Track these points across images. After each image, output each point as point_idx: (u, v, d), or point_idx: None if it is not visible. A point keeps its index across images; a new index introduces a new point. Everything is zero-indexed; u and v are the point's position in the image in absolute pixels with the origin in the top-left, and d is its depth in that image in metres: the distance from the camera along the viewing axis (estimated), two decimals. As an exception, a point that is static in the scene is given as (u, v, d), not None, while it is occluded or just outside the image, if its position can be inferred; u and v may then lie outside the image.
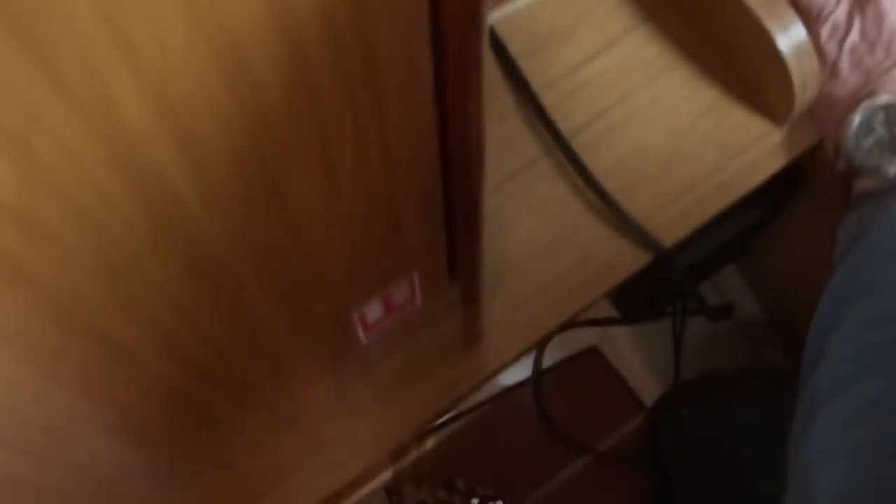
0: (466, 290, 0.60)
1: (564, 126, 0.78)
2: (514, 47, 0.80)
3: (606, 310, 1.09)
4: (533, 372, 1.18)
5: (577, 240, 0.76)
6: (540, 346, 1.17)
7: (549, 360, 1.21)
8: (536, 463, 1.17)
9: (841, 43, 0.74)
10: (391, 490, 1.14)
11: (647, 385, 1.15)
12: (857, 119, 0.71)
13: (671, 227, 0.76)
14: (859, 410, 0.60)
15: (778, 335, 1.10)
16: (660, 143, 0.79)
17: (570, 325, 1.06)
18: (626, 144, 0.79)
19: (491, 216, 0.73)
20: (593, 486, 1.16)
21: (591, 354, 1.23)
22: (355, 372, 0.61)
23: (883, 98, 0.71)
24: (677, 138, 0.79)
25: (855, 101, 0.73)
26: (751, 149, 0.79)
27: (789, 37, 0.73)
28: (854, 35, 0.74)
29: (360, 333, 0.53)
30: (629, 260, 0.76)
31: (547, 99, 0.79)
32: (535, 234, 0.76)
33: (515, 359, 0.75)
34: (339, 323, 0.50)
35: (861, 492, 0.56)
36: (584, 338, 1.22)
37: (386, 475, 1.16)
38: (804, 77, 0.74)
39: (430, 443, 1.17)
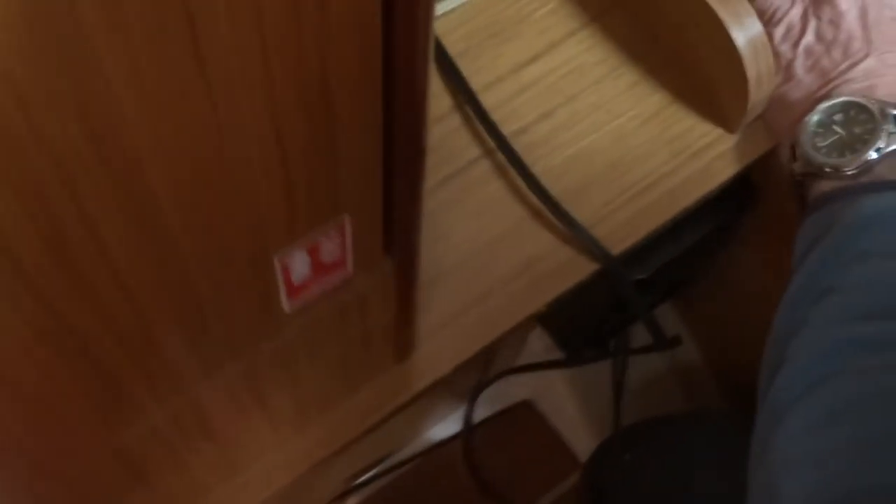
0: (401, 268, 0.54)
1: (505, 128, 0.74)
2: (452, 46, 0.76)
3: (544, 354, 1.04)
4: (463, 426, 1.13)
5: (519, 246, 0.72)
6: (471, 399, 1.12)
7: (480, 415, 1.16)
8: (468, 522, 1.12)
9: (796, 45, 0.71)
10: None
11: (584, 440, 1.10)
12: (815, 119, 0.69)
13: (619, 235, 0.72)
14: (830, 413, 0.57)
15: (715, 378, 1.07)
16: (606, 148, 0.75)
17: (508, 371, 1.04)
18: (571, 148, 0.75)
19: (426, 221, 0.67)
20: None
21: (525, 408, 1.18)
22: (277, 369, 0.54)
23: (841, 98, 0.68)
24: (624, 143, 0.75)
25: (811, 102, 0.70)
26: (702, 154, 0.75)
27: (744, 29, 0.70)
28: (809, 36, 0.71)
29: (284, 297, 0.47)
30: (574, 268, 0.71)
31: (487, 100, 0.75)
32: (473, 239, 0.72)
33: (451, 373, 0.69)
34: (261, 274, 0.43)
35: (834, 499, 0.53)
36: (518, 391, 1.17)
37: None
38: (759, 72, 0.70)
39: (350, 501, 1.11)
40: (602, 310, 0.86)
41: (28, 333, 0.36)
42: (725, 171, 0.74)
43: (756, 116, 0.74)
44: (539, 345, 1.09)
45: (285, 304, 0.47)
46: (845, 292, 0.61)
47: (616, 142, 0.75)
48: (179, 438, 0.53)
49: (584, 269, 0.71)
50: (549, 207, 0.72)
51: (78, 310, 0.36)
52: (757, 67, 0.70)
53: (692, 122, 0.76)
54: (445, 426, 1.17)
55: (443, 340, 0.69)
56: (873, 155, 0.65)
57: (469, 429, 1.13)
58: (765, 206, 0.84)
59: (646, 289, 0.77)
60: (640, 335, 1.05)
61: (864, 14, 0.70)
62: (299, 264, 0.44)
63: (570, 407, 1.15)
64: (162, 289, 0.39)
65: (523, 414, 1.18)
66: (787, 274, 0.66)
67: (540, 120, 0.75)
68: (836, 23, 0.70)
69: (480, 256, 0.71)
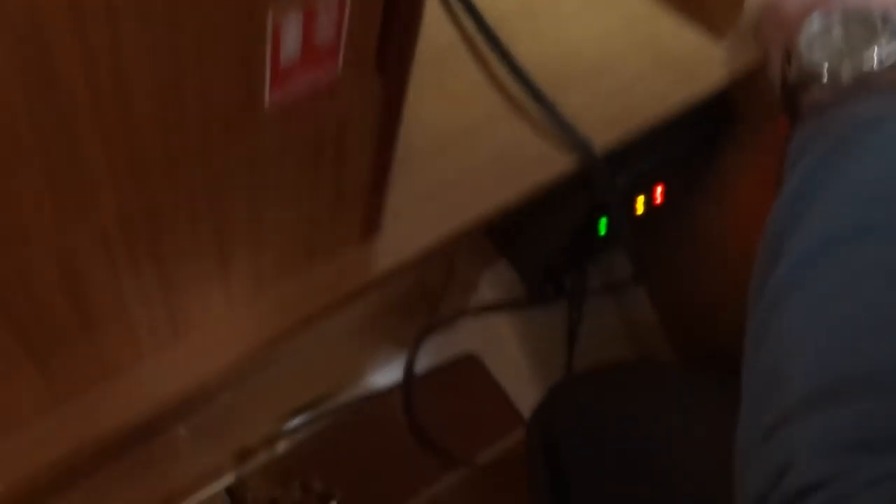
0: (389, 94, 0.50)
1: (487, 15, 0.71)
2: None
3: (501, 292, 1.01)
4: (404, 376, 1.09)
5: (496, 134, 0.69)
6: (414, 345, 1.07)
7: (423, 365, 1.11)
8: (405, 473, 1.07)
9: None
10: (235, 491, 1.00)
11: (532, 394, 1.06)
12: (814, 26, 0.66)
13: (599, 132, 0.69)
14: (829, 293, 0.56)
15: (668, 332, 1.06)
16: (590, 44, 0.73)
17: (465, 312, 1.00)
18: (553, 41, 0.73)
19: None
20: (469, 499, 1.06)
21: (469, 361, 1.14)
22: (241, 191, 0.50)
23: (839, 6, 0.66)
24: (610, 40, 0.73)
25: (806, 13, 0.68)
26: (689, 58, 0.73)
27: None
28: None
29: (268, 83, 0.42)
30: (553, 161, 0.69)
31: (468, -16, 0.71)
32: (448, 123, 0.69)
33: (416, 258, 0.66)
34: (252, 37, 0.39)
35: (828, 381, 0.52)
36: (464, 342, 1.14)
37: (229, 478, 1.02)
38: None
39: (281, 445, 1.06)
40: (566, 237, 0.82)
41: None
42: (710, 78, 0.72)
43: (747, 23, 0.72)
44: (491, 291, 1.06)
45: (267, 96, 0.43)
46: (848, 182, 0.59)
47: (600, 39, 0.73)
48: (127, 258, 0.48)
49: (563, 161, 0.68)
50: (530, 95, 0.69)
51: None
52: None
53: (680, 26, 0.74)
54: (386, 374, 1.13)
55: (409, 224, 0.66)
56: (871, 64, 0.64)
57: (410, 378, 1.08)
58: (741, 137, 0.82)
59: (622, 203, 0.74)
60: (596, 278, 1.04)
61: None
62: (291, 33, 0.40)
63: (519, 358, 1.11)
64: (147, 51, 0.35)
65: (467, 367, 1.14)
66: (752, 221, 0.65)
67: (521, 11, 0.73)
68: None
69: (454, 141, 0.68)
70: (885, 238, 0.56)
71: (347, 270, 0.64)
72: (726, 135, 0.81)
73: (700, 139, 0.79)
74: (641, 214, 0.84)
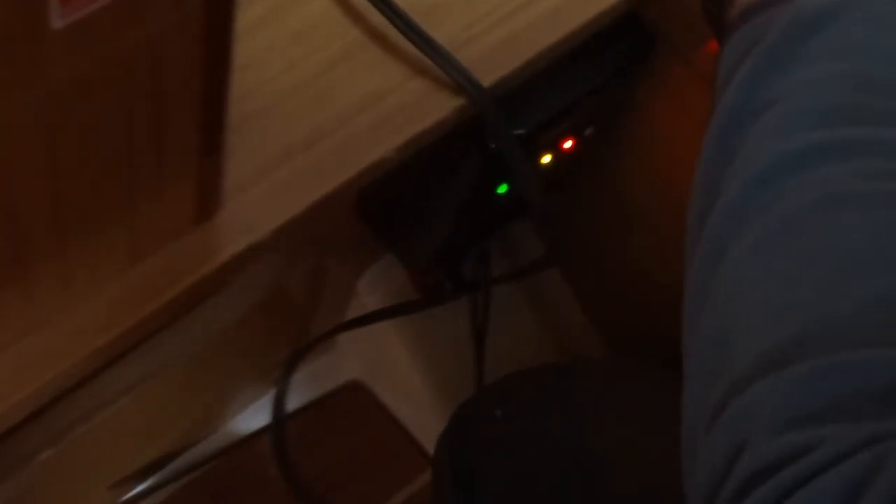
0: (213, 11, 0.49)
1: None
2: None
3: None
4: (273, 416, 1.09)
5: (358, 77, 0.70)
6: (283, 377, 1.08)
7: (296, 401, 1.13)
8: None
9: None
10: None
11: (434, 425, 1.07)
12: None
13: (488, 64, 0.71)
14: (778, 232, 0.57)
15: (594, 319, 1.08)
16: (468, -44, 0.74)
17: (333, 330, 1.00)
18: None
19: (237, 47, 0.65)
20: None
21: (354, 391, 1.16)
22: (34, 155, 0.49)
23: None
24: None
25: None
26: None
27: None
28: None
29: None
30: (431, 104, 0.70)
31: None
32: (298, 67, 0.70)
33: (268, 241, 0.66)
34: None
35: (800, 322, 0.53)
36: (345, 367, 1.16)
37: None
38: None
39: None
40: (459, 208, 0.83)
41: None
42: None
43: None
44: (373, 297, 1.07)
45: (55, 12, 0.42)
46: (787, 101, 0.60)
47: (478, -49, 0.74)
48: None
49: (445, 105, 0.70)
50: (396, 26, 0.70)
51: None
52: None
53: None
54: (250, 416, 1.14)
55: (256, 196, 0.66)
56: None
57: (281, 418, 1.09)
58: (662, 67, 0.83)
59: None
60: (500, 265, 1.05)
61: None
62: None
63: (416, 378, 1.13)
64: None
65: (353, 397, 1.16)
66: (684, 173, 0.66)
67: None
68: None
69: (306, 90, 0.69)
70: (839, 158, 0.57)
71: (180, 266, 0.64)
72: (646, 64, 0.83)
73: (613, 71, 0.80)
74: (548, 173, 0.85)
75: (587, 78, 0.79)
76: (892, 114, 0.58)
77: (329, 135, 0.68)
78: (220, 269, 0.64)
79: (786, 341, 0.52)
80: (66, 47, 0.45)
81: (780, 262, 0.56)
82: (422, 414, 1.14)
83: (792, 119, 0.60)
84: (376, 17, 0.70)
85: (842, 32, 0.61)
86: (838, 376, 0.49)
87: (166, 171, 0.58)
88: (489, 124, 0.71)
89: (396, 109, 0.69)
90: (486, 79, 0.70)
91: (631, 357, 1.03)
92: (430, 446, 1.11)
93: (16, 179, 0.50)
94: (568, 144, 0.83)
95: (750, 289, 0.56)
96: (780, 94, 0.61)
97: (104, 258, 0.61)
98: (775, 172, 0.58)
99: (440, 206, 0.83)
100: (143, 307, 0.63)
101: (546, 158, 0.83)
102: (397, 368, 1.15)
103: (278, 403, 1.09)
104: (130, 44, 0.48)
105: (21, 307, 0.58)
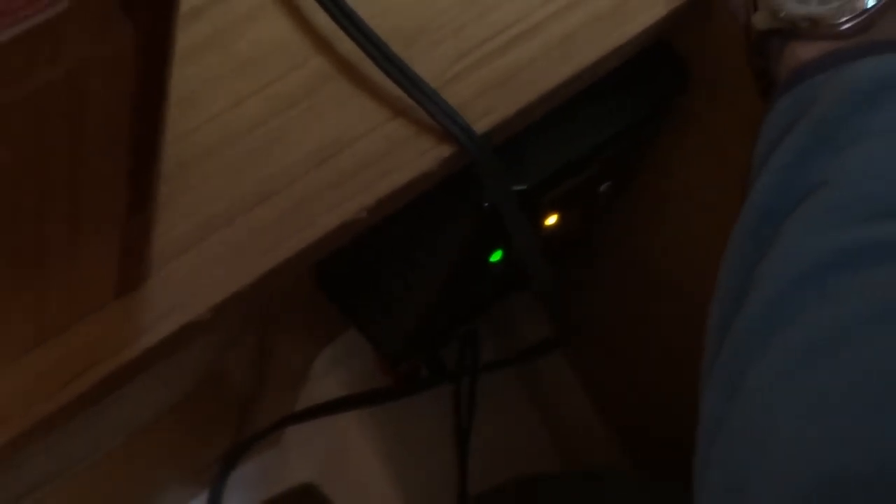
0: (148, 41, 0.49)
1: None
2: None
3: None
4: None
5: (322, 117, 0.71)
6: (219, 478, 1.08)
7: (236, 507, 1.13)
8: None
9: None
10: None
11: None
12: None
13: (480, 105, 0.72)
14: (820, 344, 0.58)
15: (607, 420, 1.09)
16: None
17: (299, 415, 1.01)
18: None
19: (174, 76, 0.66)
20: None
21: (304, 495, 1.16)
22: None
23: None
24: None
25: None
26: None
27: None
28: None
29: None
30: (412, 152, 0.71)
31: None
32: (247, 103, 0.71)
33: (206, 316, 0.67)
34: None
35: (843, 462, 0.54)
36: (294, 466, 1.16)
37: None
38: None
39: None
40: (443, 279, 0.83)
41: None
42: (641, 16, 0.76)
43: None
44: (331, 381, 1.07)
45: None
46: (837, 186, 0.62)
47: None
48: None
49: (428, 154, 0.71)
50: (371, 56, 0.70)
51: None
52: None
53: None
54: None
55: (192, 264, 0.67)
56: (871, 2, 0.66)
57: None
58: (698, 108, 0.84)
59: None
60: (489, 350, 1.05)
61: None
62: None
63: (381, 486, 1.12)
64: None
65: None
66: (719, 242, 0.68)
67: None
68: None
69: (256, 132, 0.70)
70: (890, 262, 0.58)
71: (97, 349, 0.64)
72: (672, 111, 0.84)
73: (637, 114, 0.81)
74: (555, 238, 0.85)
75: (604, 122, 0.79)
76: None
77: (283, 189, 0.68)
78: (146, 354, 0.65)
79: (827, 486, 0.52)
80: None
81: (821, 385, 0.56)
82: None
83: (843, 208, 0.61)
84: (345, 44, 0.71)
85: None
86: None
87: (83, 232, 0.58)
88: (483, 178, 0.71)
89: (368, 159, 0.70)
90: (480, 123, 0.71)
91: (656, 468, 1.04)
92: None
93: None
94: (579, 202, 0.84)
95: (780, 418, 0.57)
96: (829, 178, 0.62)
97: (6, 337, 0.61)
98: (819, 273, 0.59)
99: (420, 276, 0.83)
100: (46, 400, 0.63)
101: (551, 219, 0.84)
102: (359, 470, 1.15)
103: None
104: (43, 78, 0.48)
105: None
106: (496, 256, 0.82)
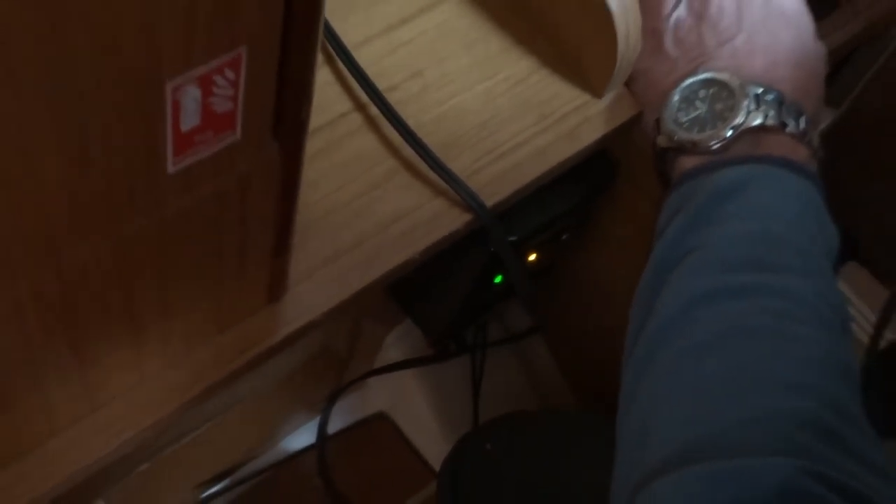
0: (287, 156, 0.51)
1: (378, 84, 0.72)
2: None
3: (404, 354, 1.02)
4: (318, 437, 1.08)
5: (392, 196, 0.70)
6: (326, 408, 1.08)
7: (335, 426, 1.12)
8: (323, 534, 1.07)
9: (668, 16, 0.71)
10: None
11: (442, 447, 1.07)
12: (678, 94, 0.68)
13: (489, 190, 0.71)
14: (688, 354, 0.58)
15: (566, 379, 1.07)
16: (476, 108, 0.74)
17: (373, 372, 1.01)
18: (442, 106, 0.73)
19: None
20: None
21: (380, 420, 1.15)
22: (149, 259, 0.50)
23: (704, 73, 0.69)
24: (494, 104, 0.74)
25: (677, 77, 0.70)
26: (568, 118, 0.74)
27: (614, -15, 0.69)
28: (681, 10, 0.71)
29: (170, 149, 0.43)
30: (448, 218, 0.70)
31: (359, 57, 0.73)
32: (345, 188, 0.69)
33: (320, 319, 0.66)
34: (151, 107, 0.40)
35: (694, 430, 0.54)
36: (374, 402, 1.14)
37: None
38: (628, 28, 0.70)
39: (203, 513, 1.05)
40: (465, 292, 0.84)
41: None
42: (591, 135, 0.74)
43: (623, 80, 0.74)
44: (396, 351, 1.07)
45: (170, 161, 0.44)
46: (705, 249, 0.62)
47: (486, 103, 0.74)
48: (39, 329, 0.48)
49: (457, 219, 0.70)
50: (423, 158, 0.70)
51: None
52: (626, 23, 0.70)
53: (560, 87, 0.75)
54: (300, 437, 1.13)
55: (314, 285, 0.66)
56: (730, 132, 0.65)
57: (323, 440, 1.09)
58: (623, 188, 0.84)
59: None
60: (495, 331, 1.05)
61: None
62: (190, 103, 0.41)
63: (427, 414, 1.12)
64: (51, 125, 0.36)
65: (378, 426, 1.15)
66: (635, 266, 0.66)
67: (410, 78, 0.74)
68: None
69: (352, 205, 0.69)
70: (741, 297, 0.58)
71: (255, 336, 0.64)
72: (611, 187, 0.83)
73: (585, 193, 0.80)
74: (534, 267, 0.85)
75: (564, 199, 0.79)
76: (786, 265, 0.59)
77: (369, 239, 0.68)
78: (285, 339, 0.65)
79: (684, 444, 0.53)
80: (178, 182, 0.46)
81: (689, 376, 0.57)
82: (430, 441, 1.13)
83: (708, 264, 0.61)
84: (407, 150, 0.70)
85: (750, 198, 0.63)
86: (732, 479, 0.49)
87: (247, 267, 0.59)
88: (490, 233, 0.71)
89: (420, 222, 0.69)
90: (489, 200, 0.70)
91: (595, 410, 1.03)
92: (436, 465, 1.11)
93: (137, 279, 0.51)
94: (549, 246, 0.84)
95: (666, 398, 0.57)
96: (700, 245, 0.62)
97: (198, 328, 0.61)
98: (692, 305, 0.59)
99: (450, 290, 0.83)
100: (226, 365, 0.63)
101: (532, 256, 0.84)
102: (413, 405, 1.14)
103: (322, 428, 1.09)
104: (224, 182, 0.49)
105: (131, 366, 0.59)
106: (498, 279, 0.82)
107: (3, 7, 0.31)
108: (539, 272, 0.87)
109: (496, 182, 0.71)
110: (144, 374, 0.60)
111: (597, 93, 0.75)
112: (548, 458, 0.87)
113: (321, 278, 0.66)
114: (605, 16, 0.70)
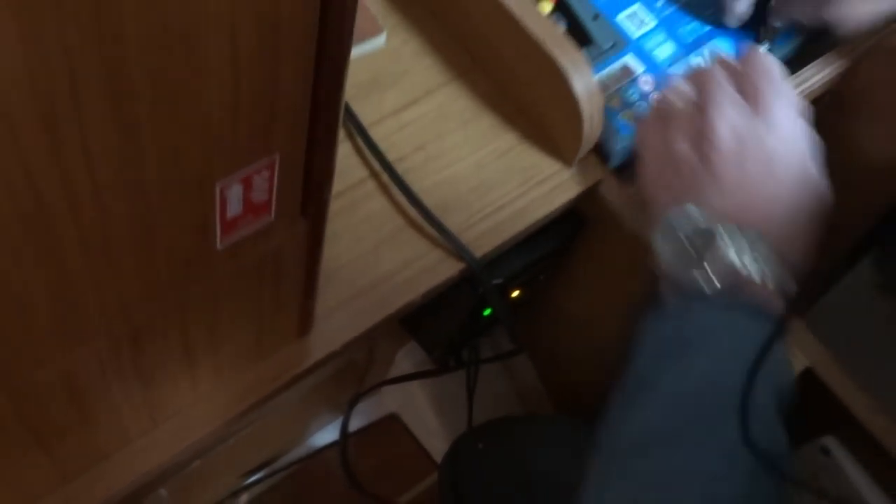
0: (312, 229, 0.54)
1: (389, 156, 0.75)
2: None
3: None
4: (340, 435, 1.09)
5: (400, 248, 0.72)
6: (348, 410, 1.09)
7: (355, 425, 1.13)
8: (344, 516, 1.08)
9: (678, 141, 0.65)
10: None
11: (442, 444, 1.08)
12: (663, 228, 0.62)
13: (479, 243, 0.73)
14: (642, 485, 0.55)
15: (548, 391, 1.07)
16: (468, 175, 0.76)
17: (381, 383, 1.02)
18: (440, 174, 0.76)
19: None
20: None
21: (392, 420, 1.16)
22: (203, 314, 0.53)
23: (692, 209, 0.62)
24: (483, 172, 0.76)
25: (668, 201, 0.64)
26: (545, 183, 0.77)
27: (581, 77, 0.72)
28: (686, 145, 0.64)
29: (218, 231, 0.46)
30: (445, 267, 0.72)
31: (373, 134, 0.76)
32: (363, 240, 0.72)
33: (342, 348, 0.68)
34: (204, 203, 0.43)
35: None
36: (387, 405, 1.16)
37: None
38: (592, 113, 0.73)
39: (243, 498, 1.06)
40: (460, 321, 0.85)
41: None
42: (563, 196, 0.76)
43: (587, 152, 0.77)
44: (406, 364, 1.08)
45: (218, 241, 0.47)
46: (656, 394, 0.58)
47: (476, 171, 0.76)
48: (115, 370, 0.51)
49: (452, 267, 0.72)
50: (424, 218, 0.72)
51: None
52: (590, 107, 0.73)
53: (538, 158, 0.78)
54: (325, 434, 1.14)
55: (336, 321, 0.68)
56: (702, 281, 0.59)
57: (345, 437, 1.08)
58: (589, 238, 0.86)
59: (500, 297, 0.78)
60: (486, 350, 1.06)
61: (741, 150, 0.62)
62: (234, 197, 0.44)
63: (430, 417, 1.13)
64: (125, 218, 0.39)
65: (390, 425, 1.16)
66: (601, 300, 0.64)
67: (415, 151, 0.76)
68: (711, 142, 0.62)
69: (367, 256, 0.71)
70: (673, 448, 0.55)
71: (288, 363, 0.66)
72: (579, 237, 0.85)
73: (561, 241, 0.82)
74: (518, 300, 0.87)
75: (540, 247, 0.80)
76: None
77: (381, 285, 0.69)
78: (312, 366, 0.67)
79: None
80: (225, 256, 0.48)
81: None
82: (433, 439, 1.14)
83: (654, 410, 0.58)
84: (412, 211, 0.72)
85: (697, 358, 0.58)
86: None
87: (281, 310, 0.61)
88: (479, 278, 0.72)
89: (422, 270, 0.70)
90: (479, 251, 0.72)
91: (570, 415, 1.03)
92: (437, 459, 1.13)
93: (192, 325, 0.53)
94: (529, 285, 0.85)
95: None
96: (647, 393, 0.58)
97: (241, 358, 0.63)
98: (633, 450, 0.57)
99: (448, 320, 0.85)
100: (264, 388, 0.65)
101: (516, 293, 0.85)
102: (419, 409, 1.15)
103: (344, 426, 1.06)
104: (262, 249, 0.51)
105: (188, 390, 0.62)
106: (487, 312, 0.84)
107: (97, 144, 0.35)
108: (521, 304, 0.88)
109: (485, 237, 0.73)
110: (198, 395, 0.63)
111: (568, 162, 0.77)
112: (529, 455, 0.88)
113: (341, 316, 0.68)
114: (573, 102, 0.72)
